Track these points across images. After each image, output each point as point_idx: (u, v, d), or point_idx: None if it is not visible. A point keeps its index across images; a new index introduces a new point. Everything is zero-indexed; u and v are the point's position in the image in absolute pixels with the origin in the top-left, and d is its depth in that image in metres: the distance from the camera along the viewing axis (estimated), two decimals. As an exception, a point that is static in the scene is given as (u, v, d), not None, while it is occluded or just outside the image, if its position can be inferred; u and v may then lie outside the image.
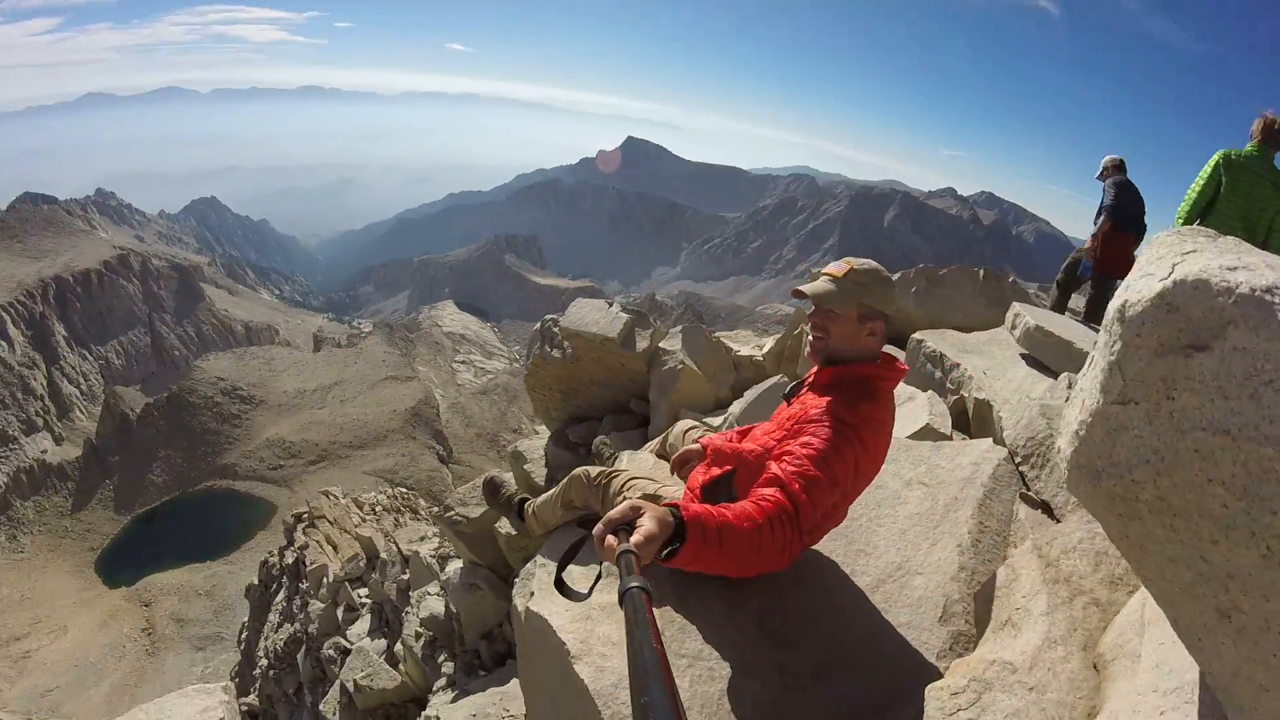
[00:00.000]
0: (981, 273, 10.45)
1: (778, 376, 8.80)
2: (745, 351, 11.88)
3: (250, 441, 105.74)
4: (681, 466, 3.96)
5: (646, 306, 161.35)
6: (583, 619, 3.55)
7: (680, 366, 10.10)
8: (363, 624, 19.20)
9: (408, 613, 15.11)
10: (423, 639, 13.46)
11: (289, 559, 30.85)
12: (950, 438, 6.14)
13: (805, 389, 3.46)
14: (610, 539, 2.13)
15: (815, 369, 3.47)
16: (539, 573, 4.39)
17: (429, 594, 14.27)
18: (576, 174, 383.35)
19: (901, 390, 6.86)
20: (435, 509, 26.75)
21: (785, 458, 2.95)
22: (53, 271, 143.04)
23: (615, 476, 4.13)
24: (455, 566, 12.81)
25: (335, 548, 30.01)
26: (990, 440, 4.95)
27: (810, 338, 3.38)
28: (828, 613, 3.49)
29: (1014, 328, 7.70)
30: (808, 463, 2.88)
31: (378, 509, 38.40)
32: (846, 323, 3.28)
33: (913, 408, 6.64)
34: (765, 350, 11.82)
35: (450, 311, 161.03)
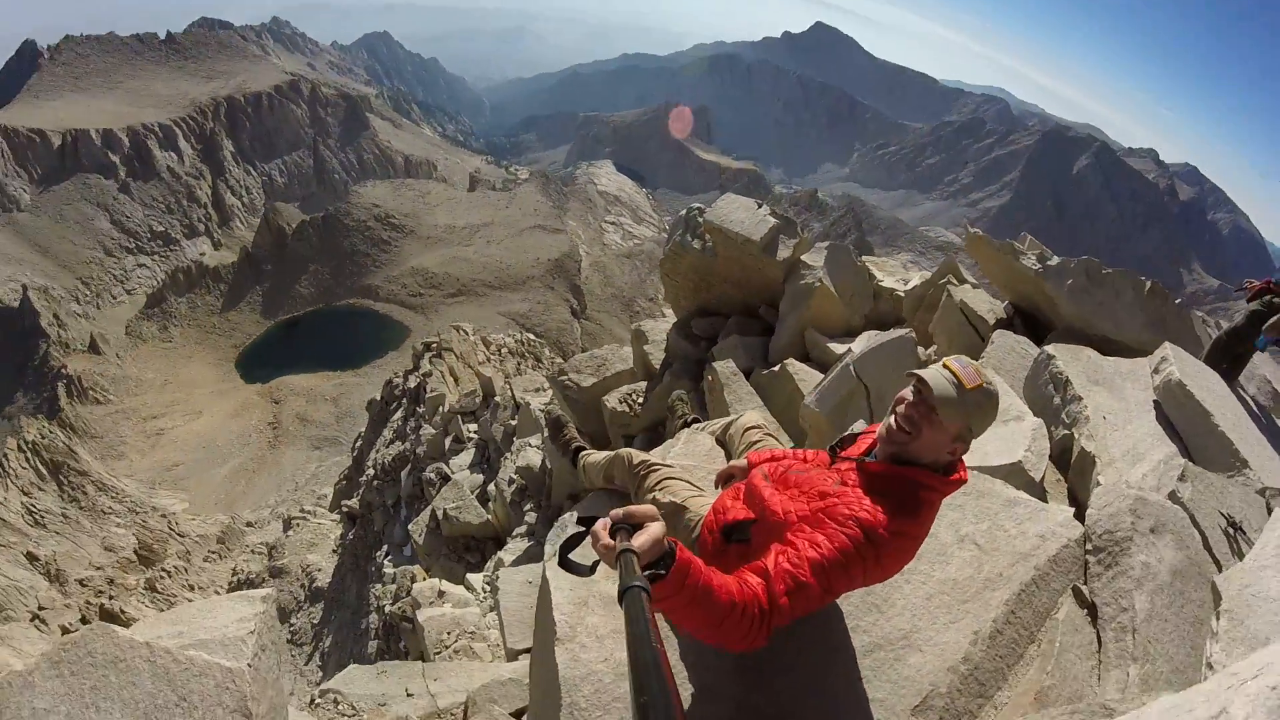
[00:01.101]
0: (1149, 284, 9.07)
1: (905, 331, 8.25)
2: (888, 283, 11.34)
3: (395, 267, 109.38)
4: (725, 482, 3.82)
5: (807, 201, 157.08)
6: (580, 604, 3.57)
7: (817, 284, 9.78)
8: (466, 456, 20.06)
9: (507, 457, 15.61)
10: (514, 485, 13.96)
11: (412, 383, 32.42)
12: (1040, 484, 5.50)
13: (851, 464, 3.09)
14: (607, 539, 2.20)
15: (872, 445, 3.13)
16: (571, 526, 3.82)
17: (530, 445, 14.62)
18: (758, 52, 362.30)
19: (1010, 405, 6.22)
20: (555, 364, 26.12)
21: (789, 550, 2.74)
22: (225, 92, 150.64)
23: (654, 470, 4.17)
24: None
25: (456, 380, 31.16)
26: (1070, 513, 4.31)
27: (894, 422, 2.94)
28: (807, 666, 3.34)
29: (1156, 371, 6.88)
30: (806, 567, 2.66)
31: (503, 350, 39.84)
32: (942, 433, 2.87)
33: (1014, 432, 5.87)
34: (909, 287, 11.24)
35: (608, 171, 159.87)
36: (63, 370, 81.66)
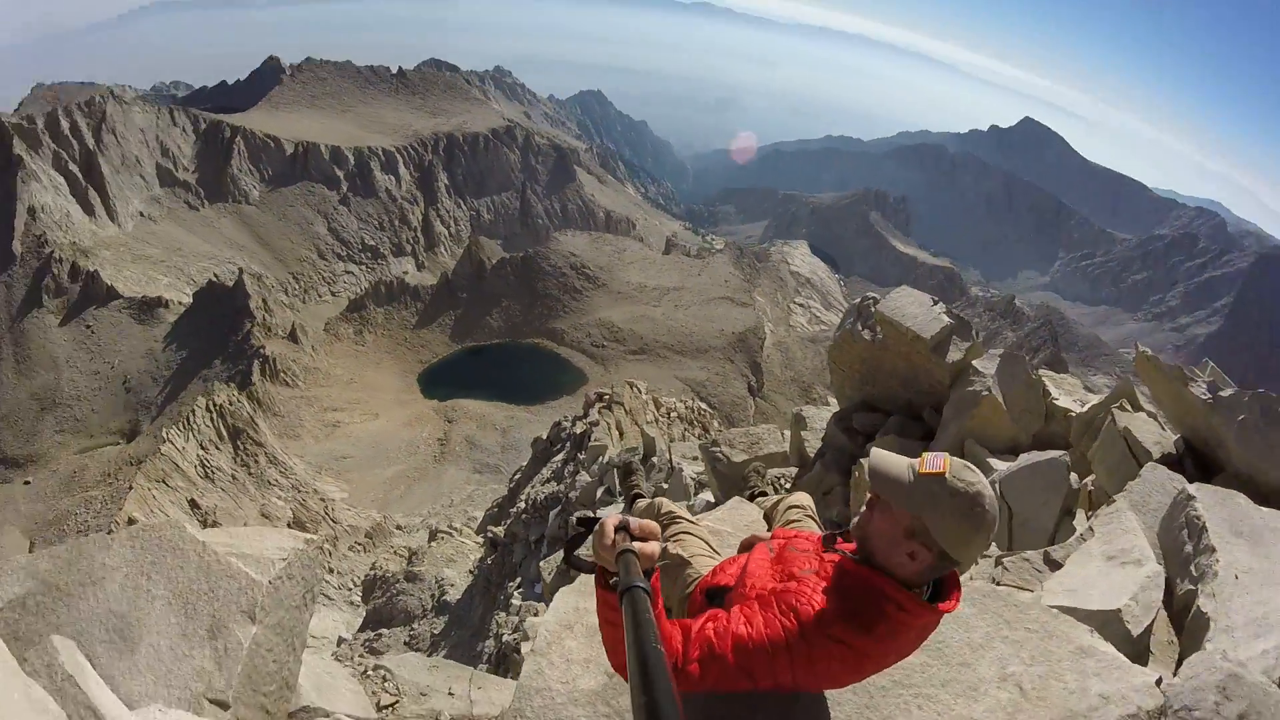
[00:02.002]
0: (1337, 437, 7.58)
1: (1060, 454, 7.66)
2: (1064, 402, 10.36)
3: (583, 316, 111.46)
4: (746, 549, 3.64)
5: (1003, 307, 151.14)
6: (565, 626, 3.76)
7: (985, 393, 9.30)
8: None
9: None
10: None
11: (578, 429, 32.65)
12: (1143, 641, 4.71)
13: (835, 556, 2.88)
14: (612, 535, 2.23)
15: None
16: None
17: None
18: (963, 144, 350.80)
19: (1133, 547, 5.45)
20: (705, 436, 25.40)
21: (719, 619, 2.63)
22: (446, 129, 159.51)
23: (676, 523, 4.17)
24: (705, 497, 12.96)
25: (621, 434, 30.87)
26: (1154, 678, 3.69)
27: (861, 510, 2.75)
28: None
29: (1317, 535, 5.84)
30: (728, 640, 2.53)
31: (672, 414, 38.90)
32: (890, 523, 2.57)
33: (1126, 577, 5.11)
34: (1084, 409, 10.24)
35: (802, 252, 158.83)
36: (261, 350, 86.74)
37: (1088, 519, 6.68)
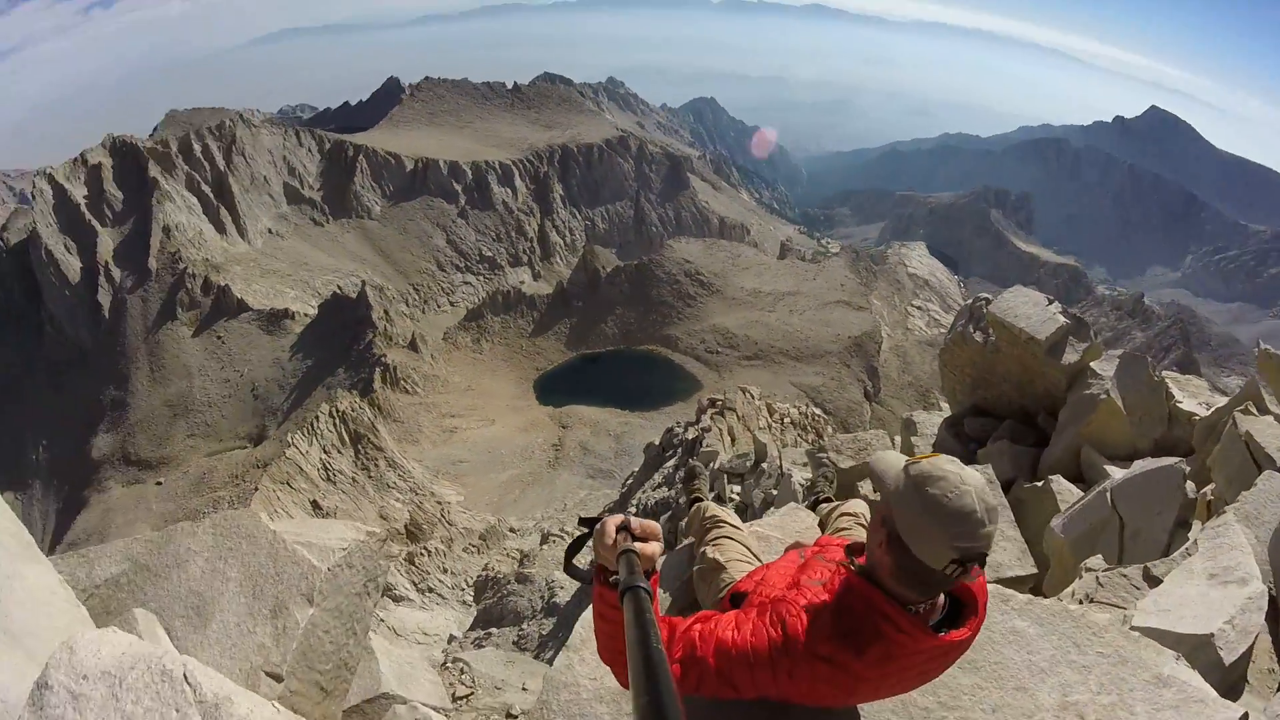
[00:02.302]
0: None
1: (1175, 461, 7.07)
2: (1188, 405, 9.60)
3: (697, 322, 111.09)
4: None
5: (1130, 306, 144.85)
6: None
7: (1103, 397, 8.76)
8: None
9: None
10: None
11: (690, 435, 32.71)
12: (1239, 671, 4.33)
13: (842, 569, 2.72)
14: (613, 535, 2.21)
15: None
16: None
17: None
18: (1087, 137, 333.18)
19: (1239, 565, 4.86)
20: (818, 441, 24.86)
21: (707, 622, 2.57)
22: (561, 141, 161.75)
23: (719, 527, 4.17)
24: None
25: (733, 440, 30.76)
26: (1239, 715, 3.29)
27: None
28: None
29: None
30: (711, 644, 2.47)
31: (785, 420, 38.41)
32: (876, 517, 2.51)
33: (1224, 598, 4.56)
34: (1209, 413, 9.43)
35: (920, 253, 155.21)
36: (382, 358, 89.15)
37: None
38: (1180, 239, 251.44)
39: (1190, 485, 6.84)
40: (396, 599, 32.94)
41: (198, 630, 4.24)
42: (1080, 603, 5.18)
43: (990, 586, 3.87)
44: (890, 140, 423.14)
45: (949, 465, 2.27)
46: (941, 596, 2.49)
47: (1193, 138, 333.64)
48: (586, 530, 2.43)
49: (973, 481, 2.22)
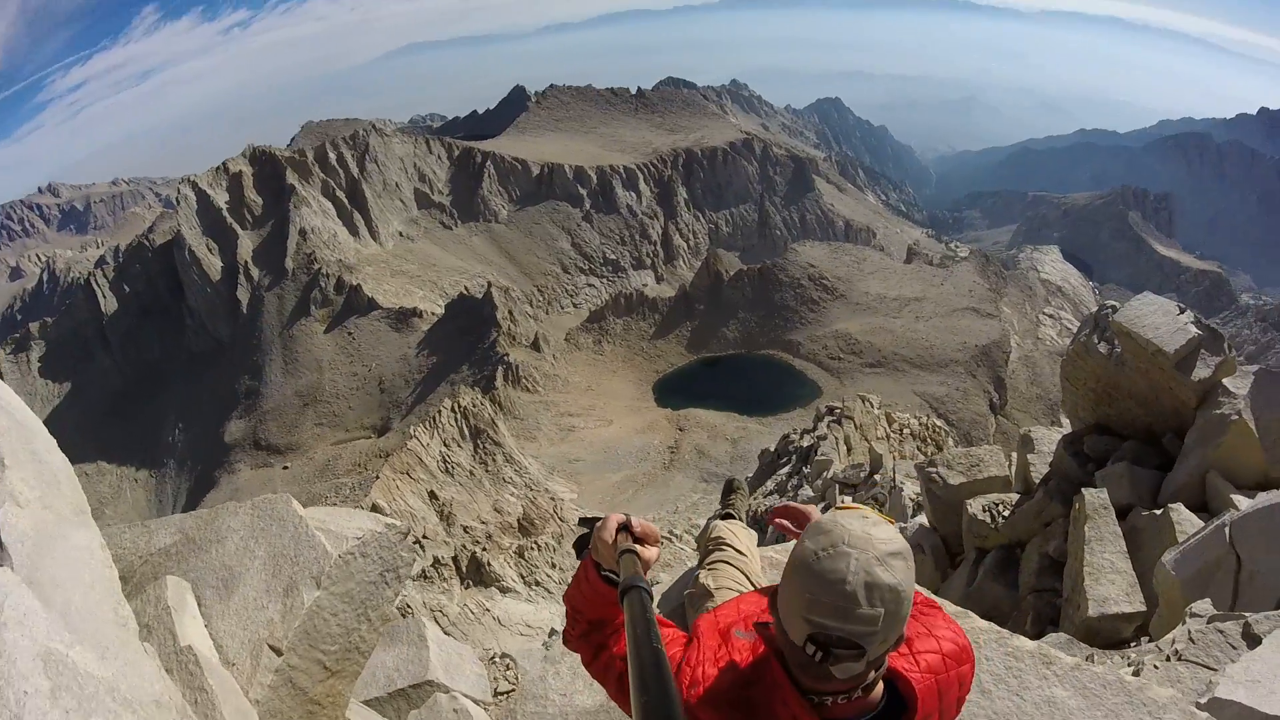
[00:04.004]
0: None
1: None
2: None
3: (820, 327, 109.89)
4: None
5: (1276, 318, 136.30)
6: None
7: (1235, 418, 7.82)
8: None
9: None
10: None
11: (806, 442, 32.60)
12: None
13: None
14: (614, 533, 2.17)
15: None
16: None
17: None
18: (1232, 130, 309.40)
19: None
20: (938, 454, 24.10)
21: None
22: (685, 144, 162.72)
23: (720, 550, 4.05)
24: (920, 520, 12.31)
25: (849, 449, 30.97)
26: None
27: None
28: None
29: None
30: (615, 670, 2.40)
31: (905, 430, 38.19)
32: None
33: None
34: None
35: (1053, 258, 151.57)
36: (505, 357, 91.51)
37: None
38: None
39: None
40: (504, 590, 33.33)
41: (222, 600, 4.57)
42: (1168, 659, 4.50)
43: (1031, 645, 3.46)
44: (1022, 138, 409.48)
45: (847, 520, 1.80)
46: (879, 687, 1.95)
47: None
48: (587, 530, 2.43)
49: (863, 546, 1.72)
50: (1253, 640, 4.35)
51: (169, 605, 4.26)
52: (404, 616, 22.70)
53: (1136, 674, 4.36)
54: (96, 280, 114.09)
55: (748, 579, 3.69)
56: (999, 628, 3.56)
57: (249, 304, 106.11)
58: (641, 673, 1.39)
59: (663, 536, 36.02)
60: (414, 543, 39.39)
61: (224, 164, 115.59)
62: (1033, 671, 3.28)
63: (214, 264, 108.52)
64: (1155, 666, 4.34)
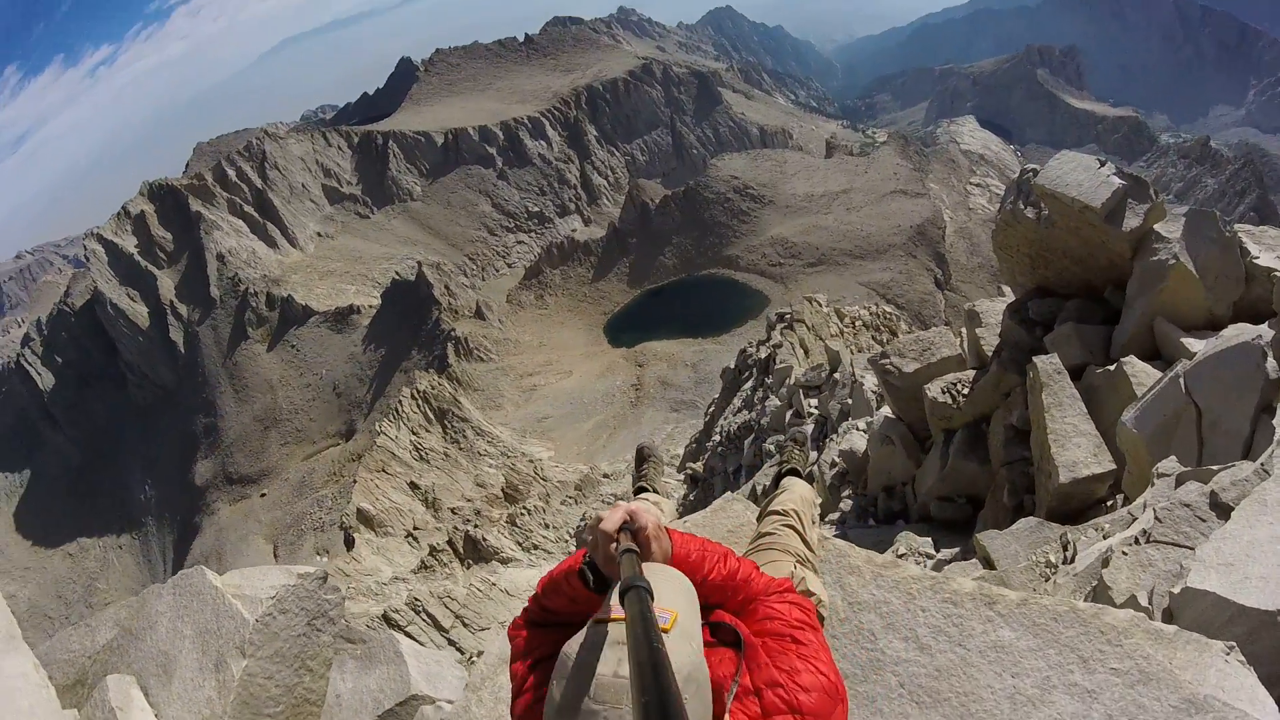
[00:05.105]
0: None
1: (1253, 336, 5.93)
2: (1265, 260, 8.40)
3: (755, 237, 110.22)
4: None
5: (1198, 153, 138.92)
6: (505, 661, 3.59)
7: (1172, 262, 7.95)
8: (805, 431, 19.14)
9: (833, 439, 14.99)
10: (836, 469, 13.48)
11: (763, 353, 32.37)
12: None
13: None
14: (614, 531, 2.02)
15: None
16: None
17: (856, 428, 14.08)
18: None
19: None
20: (892, 341, 24.36)
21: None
22: (584, 82, 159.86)
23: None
24: (885, 412, 12.34)
25: (806, 352, 30.75)
26: None
27: None
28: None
29: None
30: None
31: (857, 323, 38.20)
32: None
33: None
34: None
35: (971, 128, 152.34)
36: (452, 333, 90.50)
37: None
38: (1239, 73, 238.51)
39: (1272, 364, 5.77)
40: (505, 561, 33.52)
41: (165, 687, 4.59)
42: (1136, 541, 4.31)
43: (971, 586, 3.18)
44: (919, 14, 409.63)
45: (603, 658, 1.57)
46: None
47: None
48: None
49: (614, 700, 1.50)
50: (1222, 510, 4.16)
51: (114, 707, 4.33)
52: (389, 626, 22.75)
53: (1106, 565, 4.26)
54: (26, 359, 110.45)
55: None
56: (933, 573, 3.21)
57: (185, 342, 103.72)
58: (642, 673, 1.33)
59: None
60: (405, 538, 39.43)
61: (124, 208, 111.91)
62: (975, 615, 3.00)
63: (139, 311, 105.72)
64: (1124, 553, 4.25)
